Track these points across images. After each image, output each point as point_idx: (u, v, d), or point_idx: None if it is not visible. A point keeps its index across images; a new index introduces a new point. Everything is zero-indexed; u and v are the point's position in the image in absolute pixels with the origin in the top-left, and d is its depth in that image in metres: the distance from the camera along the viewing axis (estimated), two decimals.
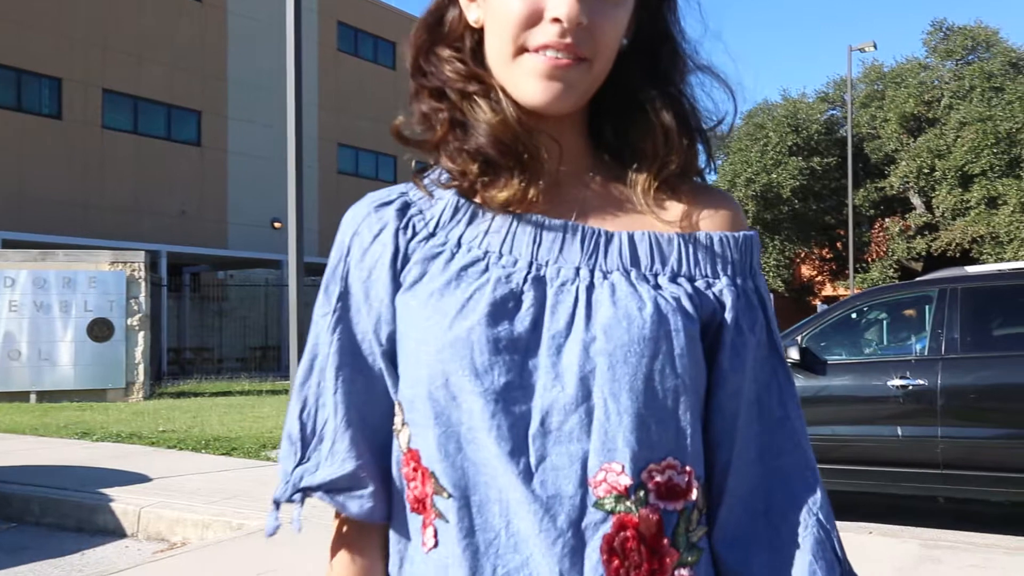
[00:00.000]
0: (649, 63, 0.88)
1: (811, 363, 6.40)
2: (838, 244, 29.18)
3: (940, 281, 6.53)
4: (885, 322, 7.68)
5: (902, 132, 26.66)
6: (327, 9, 30.17)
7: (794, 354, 6.35)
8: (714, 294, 0.83)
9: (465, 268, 0.82)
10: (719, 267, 0.85)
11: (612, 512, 0.76)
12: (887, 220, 27.43)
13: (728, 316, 0.83)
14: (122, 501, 5.97)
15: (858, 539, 5.64)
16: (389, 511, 0.88)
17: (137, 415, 11.69)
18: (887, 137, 26.96)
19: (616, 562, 0.75)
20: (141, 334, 14.82)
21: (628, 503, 0.76)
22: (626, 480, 0.76)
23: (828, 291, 30.03)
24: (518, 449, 0.76)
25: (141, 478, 6.84)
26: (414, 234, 0.85)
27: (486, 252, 0.83)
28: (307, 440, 0.89)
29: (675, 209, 0.87)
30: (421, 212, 0.87)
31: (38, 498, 6.17)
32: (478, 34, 0.86)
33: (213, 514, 5.64)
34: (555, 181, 0.86)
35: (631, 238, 0.84)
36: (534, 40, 0.80)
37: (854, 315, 7.02)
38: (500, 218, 0.84)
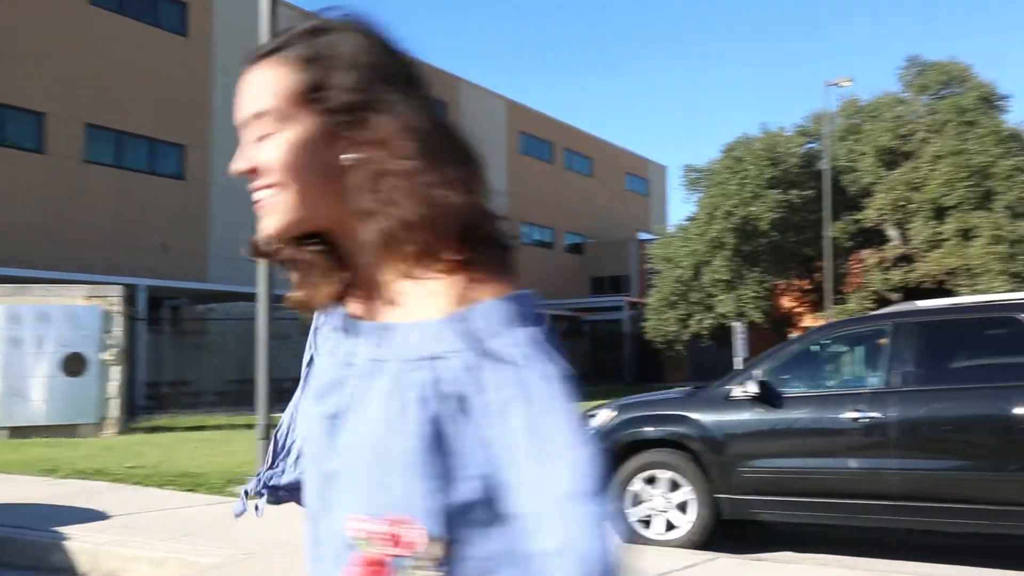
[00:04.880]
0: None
1: (770, 396, 6.46)
2: (817, 276, 29.41)
3: (894, 315, 6.64)
4: (842, 356, 7.76)
5: (878, 165, 27.00)
6: None
7: (752, 388, 6.41)
8: (451, 365, 0.92)
9: (309, 362, 1.11)
10: (457, 340, 0.93)
11: (357, 548, 0.95)
12: (864, 252, 27.69)
13: (465, 379, 0.92)
14: (78, 539, 5.94)
15: (810, 570, 5.68)
16: None
17: (107, 450, 11.63)
18: (864, 170, 27.30)
19: None
20: (116, 368, 14.77)
21: (367, 543, 0.95)
22: (367, 527, 0.94)
23: (807, 322, 30.19)
24: (314, 499, 1.02)
25: (100, 516, 6.81)
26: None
27: (321, 351, 1.08)
28: (277, 452, 1.20)
29: (421, 298, 0.96)
30: None
31: None
32: None
33: (168, 551, 5.63)
34: (357, 288, 1.02)
35: (392, 329, 0.97)
36: None
37: (812, 348, 7.11)
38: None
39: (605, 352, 37.63)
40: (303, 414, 1.10)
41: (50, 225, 22.81)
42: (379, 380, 0.95)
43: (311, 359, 1.10)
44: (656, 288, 29.53)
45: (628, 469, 6.71)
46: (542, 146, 43.09)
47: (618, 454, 6.81)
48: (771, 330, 28.09)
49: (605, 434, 6.92)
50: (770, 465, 6.35)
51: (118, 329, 14.90)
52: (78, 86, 23.94)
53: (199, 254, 26.45)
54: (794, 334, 26.13)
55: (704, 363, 33.23)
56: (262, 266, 8.66)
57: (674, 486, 6.56)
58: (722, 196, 27.50)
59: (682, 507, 6.51)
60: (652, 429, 6.82)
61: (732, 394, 6.55)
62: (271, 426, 8.50)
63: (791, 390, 6.54)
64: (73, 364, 14.36)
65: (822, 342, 7.22)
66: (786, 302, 31.32)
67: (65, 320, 14.46)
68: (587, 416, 7.22)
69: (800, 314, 30.82)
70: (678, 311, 28.66)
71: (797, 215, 27.93)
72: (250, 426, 10.12)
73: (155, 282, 22.29)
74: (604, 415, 7.09)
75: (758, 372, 6.56)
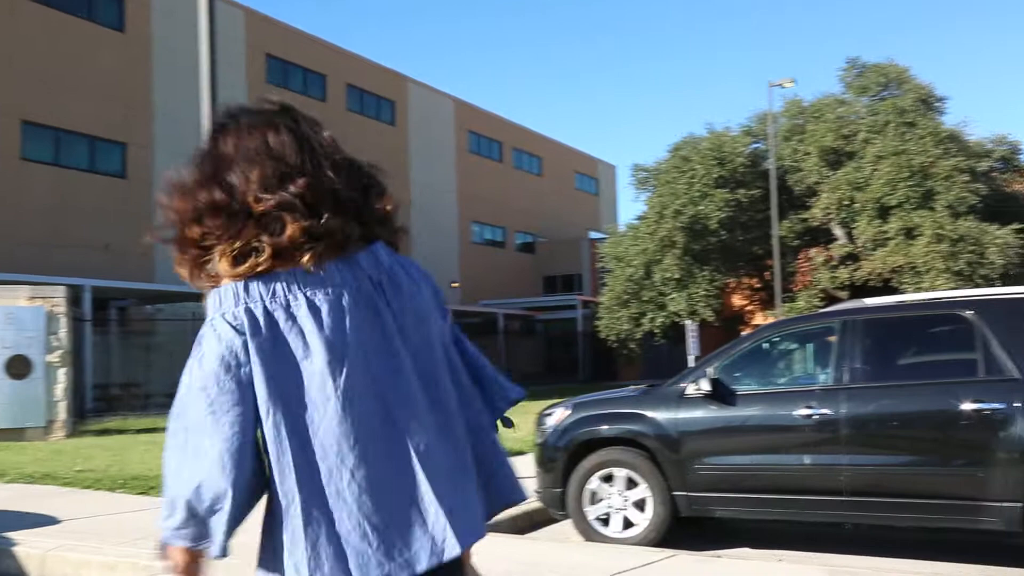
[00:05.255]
0: None
1: (722, 394, 6.54)
2: (766, 274, 29.82)
3: (841, 313, 6.77)
4: (792, 353, 7.90)
5: (822, 165, 27.47)
6: (256, 42, 30.03)
7: (705, 385, 6.48)
8: None
9: None
10: None
11: None
12: (811, 250, 28.16)
13: None
14: (27, 544, 5.81)
15: (767, 567, 5.79)
16: None
17: (56, 454, 11.37)
18: (808, 170, 27.75)
19: None
20: (62, 371, 14.45)
21: None
22: None
23: (758, 320, 30.62)
24: None
25: (50, 520, 6.68)
26: None
27: None
28: None
29: None
30: None
31: None
32: None
33: (120, 556, 5.53)
34: None
35: None
36: None
37: (763, 346, 7.22)
38: None
39: (559, 351, 37.79)
40: None
41: None
42: None
43: None
44: (608, 287, 29.70)
45: (585, 467, 6.75)
46: (491, 145, 43.09)
47: (574, 452, 6.85)
48: (722, 328, 28.45)
49: (561, 432, 6.97)
50: (725, 462, 6.44)
51: (63, 330, 14.57)
52: (13, 82, 23.32)
53: (146, 254, 25.94)
54: (746, 332, 26.50)
55: (658, 361, 33.55)
56: None
57: (631, 484, 6.62)
58: (671, 195, 27.74)
59: (639, 505, 6.58)
60: (607, 427, 6.87)
61: (686, 392, 6.63)
62: None
63: (743, 387, 6.62)
64: (17, 366, 14.01)
65: (772, 339, 7.33)
66: (737, 300, 31.73)
67: (7, 322, 14.10)
68: (543, 415, 7.25)
69: (751, 312, 31.24)
70: (631, 309, 28.86)
71: (745, 214, 28.30)
72: None
73: (101, 282, 21.82)
74: (559, 414, 7.13)
75: (710, 370, 6.64)
